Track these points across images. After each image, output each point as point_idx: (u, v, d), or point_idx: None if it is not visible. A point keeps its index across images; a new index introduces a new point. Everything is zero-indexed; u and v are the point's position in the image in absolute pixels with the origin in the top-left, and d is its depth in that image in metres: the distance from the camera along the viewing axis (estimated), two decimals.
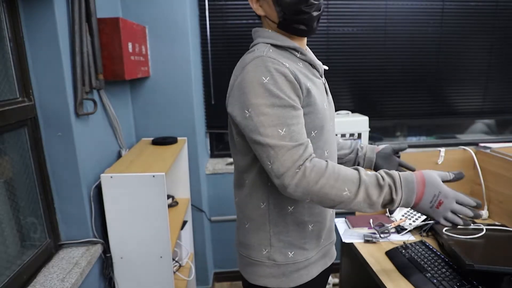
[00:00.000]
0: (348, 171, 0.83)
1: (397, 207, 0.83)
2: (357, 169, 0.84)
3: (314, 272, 1.00)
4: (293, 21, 0.90)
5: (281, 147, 0.80)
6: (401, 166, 1.16)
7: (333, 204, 0.82)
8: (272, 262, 0.96)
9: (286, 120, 0.82)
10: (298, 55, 0.94)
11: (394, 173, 0.84)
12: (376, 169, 1.15)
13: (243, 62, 0.88)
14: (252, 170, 0.94)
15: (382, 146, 1.17)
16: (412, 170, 1.10)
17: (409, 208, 1.02)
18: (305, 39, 0.99)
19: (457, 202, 0.81)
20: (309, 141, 0.85)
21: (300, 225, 0.96)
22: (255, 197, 0.96)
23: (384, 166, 1.14)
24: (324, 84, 1.01)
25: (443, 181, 0.83)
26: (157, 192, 1.36)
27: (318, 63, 1.00)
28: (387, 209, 0.89)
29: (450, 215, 0.82)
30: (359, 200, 0.81)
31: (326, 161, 0.84)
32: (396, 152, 1.16)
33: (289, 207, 0.94)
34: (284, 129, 0.81)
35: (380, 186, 0.81)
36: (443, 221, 0.82)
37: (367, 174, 0.83)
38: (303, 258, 0.97)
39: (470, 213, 0.82)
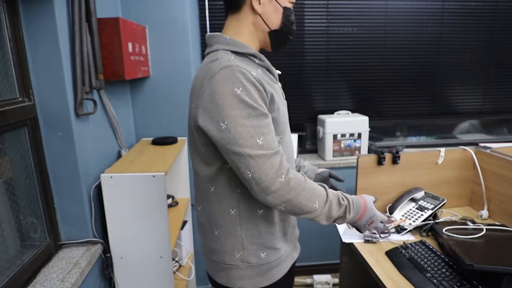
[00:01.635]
0: (318, 186, 0.93)
1: (344, 222, 0.99)
2: (323, 186, 0.95)
3: (284, 268, 1.06)
4: (284, 35, 0.99)
5: (260, 156, 0.84)
6: (332, 177, 1.28)
7: (302, 213, 0.90)
8: (246, 264, 1.00)
9: (262, 129, 0.85)
10: (257, 61, 0.97)
11: (349, 196, 0.99)
12: None
13: (209, 71, 0.87)
14: (219, 178, 0.96)
15: (321, 170, 1.28)
16: (341, 181, 1.26)
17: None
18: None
19: (379, 219, 1.05)
20: (280, 147, 0.89)
21: (269, 226, 0.99)
22: (225, 205, 0.97)
23: None
24: (281, 88, 1.05)
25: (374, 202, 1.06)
26: (157, 192, 1.36)
27: (273, 68, 1.03)
28: (349, 223, 1.05)
29: (372, 230, 1.08)
30: (322, 213, 0.92)
31: (303, 174, 0.92)
32: (332, 177, 1.27)
33: (259, 211, 0.98)
34: (261, 138, 0.84)
35: (340, 205, 0.95)
36: (365, 232, 1.10)
37: (332, 192, 0.95)
38: (275, 257, 1.02)
39: (384, 230, 1.13)
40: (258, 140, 0.84)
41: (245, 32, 0.97)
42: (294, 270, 1.16)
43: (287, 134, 1.01)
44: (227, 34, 0.97)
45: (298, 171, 1.26)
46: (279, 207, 0.88)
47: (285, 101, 1.07)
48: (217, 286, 1.08)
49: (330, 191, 0.95)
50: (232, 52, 0.93)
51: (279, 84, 1.05)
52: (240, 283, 1.01)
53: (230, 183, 0.95)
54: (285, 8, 0.96)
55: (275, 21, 0.96)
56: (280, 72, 1.09)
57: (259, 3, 0.94)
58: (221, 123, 0.84)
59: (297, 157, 2.28)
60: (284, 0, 0.97)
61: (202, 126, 0.88)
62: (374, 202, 1.06)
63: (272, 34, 0.98)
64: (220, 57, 0.89)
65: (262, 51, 1.05)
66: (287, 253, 1.06)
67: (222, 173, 0.95)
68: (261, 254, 0.99)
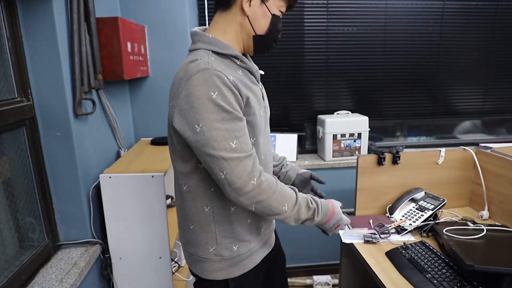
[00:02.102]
0: (288, 189, 0.97)
1: (312, 224, 1.03)
2: (293, 190, 0.99)
3: (257, 259, 1.08)
4: (267, 42, 0.99)
5: (233, 159, 0.86)
6: (313, 179, 1.30)
7: (271, 214, 0.94)
8: (220, 257, 1.03)
9: (235, 133, 0.87)
10: (238, 63, 0.97)
11: (318, 200, 1.02)
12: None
13: (187, 72, 0.88)
14: (193, 176, 0.98)
15: (303, 170, 1.30)
16: (322, 183, 1.28)
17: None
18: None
19: (344, 223, 1.09)
20: (254, 149, 0.92)
21: (241, 221, 1.02)
22: (199, 202, 1.00)
23: (299, 187, 1.26)
24: (261, 89, 1.06)
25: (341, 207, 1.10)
26: (156, 192, 1.35)
27: (256, 68, 1.03)
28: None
29: (337, 232, 1.13)
30: (291, 215, 0.96)
31: (274, 176, 0.97)
32: (313, 179, 1.29)
33: (232, 208, 1.00)
34: (235, 142, 0.87)
35: (308, 208, 0.99)
36: (331, 234, 1.11)
37: (301, 196, 0.99)
38: (246, 249, 1.04)
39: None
40: (231, 143, 0.86)
41: (230, 31, 0.97)
42: (267, 263, 1.16)
43: (263, 136, 1.03)
44: (212, 31, 0.97)
45: (280, 169, 1.28)
46: (250, 207, 0.91)
47: (266, 102, 1.08)
48: (194, 275, 1.13)
49: (300, 194, 0.99)
50: (214, 52, 0.93)
51: (260, 85, 1.06)
52: (213, 275, 1.04)
53: (204, 182, 0.97)
54: (274, 15, 0.96)
55: (262, 26, 0.97)
56: (263, 72, 1.11)
57: (249, 5, 0.93)
58: (196, 126, 0.85)
59: (296, 159, 2.28)
60: (274, 8, 0.96)
61: (177, 128, 0.89)
62: (340, 207, 1.10)
63: (257, 38, 0.98)
64: (199, 58, 0.89)
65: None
66: (259, 245, 1.09)
67: (196, 171, 0.97)
68: (233, 247, 1.02)
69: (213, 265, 1.03)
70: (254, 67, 1.03)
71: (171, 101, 0.92)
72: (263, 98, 1.05)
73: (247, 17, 0.95)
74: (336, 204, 1.08)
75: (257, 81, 1.04)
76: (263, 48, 1.01)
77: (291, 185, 1.26)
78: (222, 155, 0.86)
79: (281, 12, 0.99)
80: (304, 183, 1.28)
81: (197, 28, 1.00)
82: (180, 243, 1.91)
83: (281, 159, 1.30)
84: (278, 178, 1.21)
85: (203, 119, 0.85)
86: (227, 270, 1.04)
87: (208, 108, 0.84)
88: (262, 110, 1.01)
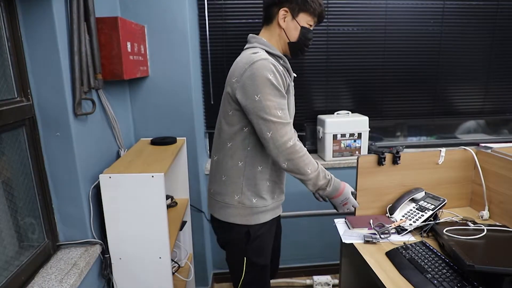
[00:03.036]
0: (312, 158, 1.26)
1: (324, 194, 1.31)
2: (316, 160, 1.28)
3: (268, 217, 1.36)
4: (300, 47, 1.35)
5: (279, 123, 1.18)
6: None
7: (297, 173, 1.23)
8: (242, 205, 1.32)
9: (282, 105, 1.20)
10: (282, 62, 1.31)
11: (332, 175, 1.31)
12: None
13: (249, 58, 1.20)
14: (236, 137, 1.28)
15: None
16: None
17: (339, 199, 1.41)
18: None
19: (351, 203, 1.35)
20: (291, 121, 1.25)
21: (263, 181, 1.32)
22: (236, 158, 1.30)
23: None
24: (293, 88, 1.39)
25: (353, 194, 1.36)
26: (156, 192, 1.35)
27: (291, 70, 1.38)
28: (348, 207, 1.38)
29: (347, 209, 1.37)
30: (311, 178, 1.24)
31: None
32: None
33: (259, 167, 1.30)
34: (280, 112, 1.18)
35: (325, 178, 1.28)
36: (340, 210, 1.37)
37: (321, 166, 1.29)
38: (262, 205, 1.33)
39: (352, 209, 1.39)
40: (278, 112, 1.18)
41: (273, 40, 1.33)
42: (275, 224, 1.45)
43: (291, 117, 1.32)
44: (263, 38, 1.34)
45: None
46: (283, 164, 1.20)
47: (294, 98, 1.41)
48: (213, 221, 1.42)
49: (320, 165, 1.28)
50: (266, 51, 1.28)
51: (292, 84, 1.37)
52: (234, 219, 1.33)
53: (244, 142, 1.28)
54: (302, 27, 1.30)
55: (294, 35, 1.31)
56: (296, 75, 1.46)
57: (284, 21, 1.30)
58: (256, 96, 1.17)
59: None
60: (303, 22, 1.30)
61: (239, 99, 1.20)
62: (352, 193, 1.35)
63: (291, 44, 1.33)
64: (259, 51, 1.25)
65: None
66: (271, 207, 1.36)
67: (240, 133, 1.27)
68: (253, 199, 1.31)
69: (235, 211, 1.32)
70: (291, 70, 1.37)
71: (234, 79, 1.22)
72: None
73: (283, 29, 1.31)
74: (348, 186, 1.34)
75: (291, 80, 1.35)
76: (297, 51, 1.36)
77: None
78: (271, 119, 1.17)
79: (310, 25, 1.32)
80: None
81: (254, 33, 1.36)
82: (180, 243, 1.91)
83: None
84: None
85: (261, 92, 1.16)
86: (245, 217, 1.32)
87: (265, 85, 1.16)
88: (292, 102, 1.36)
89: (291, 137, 1.19)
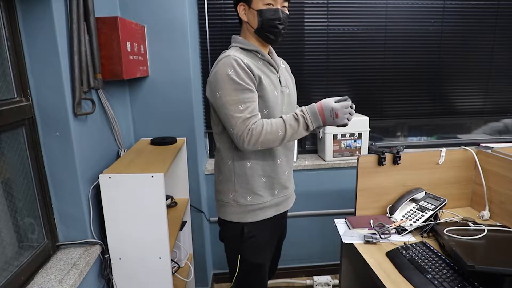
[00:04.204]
0: (275, 120, 1.23)
1: (314, 128, 1.24)
2: (281, 117, 1.24)
3: (268, 214, 1.37)
4: (267, 30, 1.28)
5: (238, 118, 1.19)
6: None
7: (275, 144, 1.23)
8: (236, 203, 1.34)
9: (244, 99, 1.20)
10: (259, 56, 1.32)
11: (303, 108, 1.23)
12: None
13: (217, 60, 1.26)
14: (222, 136, 1.32)
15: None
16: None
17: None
18: (268, 47, 1.37)
19: (344, 107, 1.22)
20: (259, 114, 1.23)
21: (256, 177, 1.32)
22: (225, 157, 1.34)
23: None
24: (279, 78, 1.36)
25: (339, 101, 1.24)
26: (156, 192, 1.35)
27: (277, 63, 1.36)
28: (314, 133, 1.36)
29: (347, 115, 1.23)
30: (289, 133, 1.21)
31: (262, 120, 1.21)
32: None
33: (248, 163, 1.31)
34: (242, 105, 1.19)
35: (296, 120, 1.22)
36: (346, 121, 1.23)
37: (287, 116, 1.23)
38: (258, 202, 1.34)
39: (351, 104, 1.24)
40: (239, 106, 1.19)
41: (247, 36, 1.34)
42: (279, 221, 1.46)
43: (279, 111, 1.32)
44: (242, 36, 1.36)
45: None
46: (257, 149, 1.22)
47: (288, 90, 1.38)
48: (219, 222, 1.46)
49: (286, 116, 1.23)
50: (241, 48, 1.30)
51: (278, 75, 1.36)
52: (231, 217, 1.36)
53: (228, 140, 1.31)
54: (258, 11, 1.25)
55: (255, 22, 1.27)
56: (284, 66, 1.47)
57: (245, 14, 1.30)
58: (217, 93, 1.21)
59: (297, 159, 2.28)
60: (259, 4, 1.25)
61: (207, 95, 1.26)
62: (339, 100, 1.23)
63: (256, 32, 1.30)
64: (227, 51, 1.27)
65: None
66: (272, 203, 1.37)
67: (223, 132, 1.31)
68: (248, 197, 1.33)
69: (231, 209, 1.35)
70: (277, 61, 1.36)
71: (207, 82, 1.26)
72: (280, 84, 1.35)
73: (247, 22, 1.31)
74: (324, 101, 1.22)
75: (276, 71, 1.35)
76: (267, 37, 1.29)
77: None
78: (232, 114, 1.19)
79: (270, 4, 1.25)
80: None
81: (233, 35, 1.37)
82: (180, 243, 1.91)
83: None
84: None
85: (221, 88, 1.20)
86: (241, 215, 1.34)
87: (224, 81, 1.19)
88: (277, 91, 1.31)
89: (247, 126, 1.18)
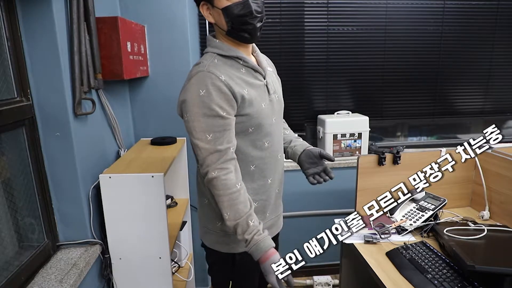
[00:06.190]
0: (243, 205, 1.01)
1: (247, 246, 1.02)
2: (249, 212, 1.01)
3: None
4: (239, 30, 1.05)
5: (205, 149, 1.01)
6: (323, 158, 1.25)
7: (220, 209, 1.03)
8: (223, 232, 1.15)
9: (213, 128, 1.00)
10: (241, 63, 1.09)
11: (259, 239, 1.00)
12: (299, 162, 1.27)
13: (190, 73, 1.06)
14: None
15: (312, 147, 1.27)
16: (332, 161, 1.24)
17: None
18: (250, 46, 1.16)
19: (269, 273, 1.01)
20: (230, 147, 1.03)
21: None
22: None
23: (305, 163, 1.25)
24: (267, 85, 1.14)
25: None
26: (156, 192, 1.35)
27: (263, 67, 1.15)
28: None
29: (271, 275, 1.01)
30: (229, 225, 1.02)
31: (238, 185, 1.02)
32: (322, 156, 1.24)
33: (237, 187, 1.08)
34: (210, 135, 1.00)
35: (243, 235, 1.00)
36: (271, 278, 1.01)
37: (248, 221, 1.00)
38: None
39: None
40: (207, 136, 1.00)
41: (223, 38, 1.11)
42: (276, 245, 1.17)
43: (268, 124, 1.12)
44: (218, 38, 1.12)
45: (289, 144, 1.31)
46: (212, 191, 1.03)
47: (276, 96, 1.18)
48: (204, 247, 1.26)
49: (252, 218, 1.01)
50: (219, 54, 1.08)
51: (265, 81, 1.14)
52: (218, 246, 1.19)
53: None
54: (223, 9, 1.03)
55: (224, 23, 1.05)
56: (271, 69, 1.23)
57: (210, 15, 1.07)
58: (185, 115, 1.03)
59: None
60: (221, 2, 1.03)
61: (178, 115, 1.08)
62: (280, 274, 1.04)
63: (229, 33, 1.08)
64: (202, 62, 1.06)
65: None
66: (264, 227, 1.10)
67: None
68: None
69: (218, 238, 1.17)
70: (263, 65, 1.15)
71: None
72: (268, 92, 1.14)
73: (215, 24, 1.09)
74: (272, 259, 1.00)
75: (263, 77, 1.14)
76: (240, 36, 1.07)
77: (298, 159, 1.26)
78: (197, 143, 1.01)
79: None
80: (311, 159, 1.24)
81: (210, 34, 1.14)
82: (180, 243, 1.91)
83: (293, 136, 1.36)
84: (286, 153, 1.30)
85: (189, 111, 1.01)
86: (230, 245, 1.17)
87: (194, 103, 1.01)
88: (264, 102, 1.11)
89: (215, 167, 1.00)
